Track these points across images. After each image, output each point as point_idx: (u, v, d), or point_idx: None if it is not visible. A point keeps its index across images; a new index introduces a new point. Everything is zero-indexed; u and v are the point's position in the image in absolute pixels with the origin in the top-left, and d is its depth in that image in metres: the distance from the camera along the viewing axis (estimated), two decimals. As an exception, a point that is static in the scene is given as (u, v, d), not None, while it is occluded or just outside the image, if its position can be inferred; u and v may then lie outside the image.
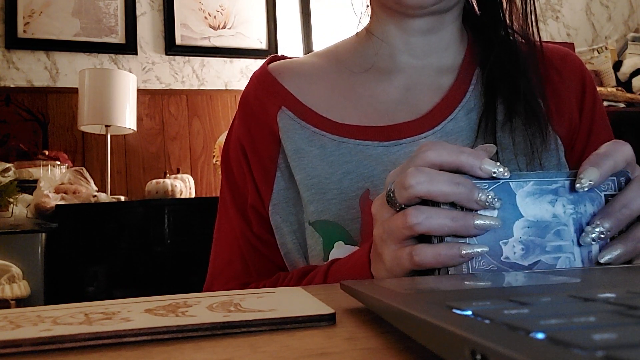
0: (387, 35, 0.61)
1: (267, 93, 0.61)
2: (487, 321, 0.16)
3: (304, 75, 0.62)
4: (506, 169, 0.34)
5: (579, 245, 0.34)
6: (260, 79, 0.63)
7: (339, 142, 0.57)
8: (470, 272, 0.33)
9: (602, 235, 0.33)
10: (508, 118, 0.55)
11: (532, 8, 0.59)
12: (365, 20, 0.65)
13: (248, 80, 0.64)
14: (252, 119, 0.61)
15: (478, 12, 0.65)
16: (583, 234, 0.34)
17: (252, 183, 0.60)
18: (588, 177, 0.33)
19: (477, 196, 0.33)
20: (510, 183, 0.34)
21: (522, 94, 0.56)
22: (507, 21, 0.61)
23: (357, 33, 0.66)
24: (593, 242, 0.34)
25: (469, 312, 0.17)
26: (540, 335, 0.13)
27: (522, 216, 0.34)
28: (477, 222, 0.33)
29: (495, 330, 0.15)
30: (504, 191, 0.34)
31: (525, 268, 0.34)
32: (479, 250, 0.33)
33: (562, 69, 0.61)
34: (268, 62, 0.65)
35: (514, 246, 0.34)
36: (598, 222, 0.34)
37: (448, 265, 0.33)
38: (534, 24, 0.59)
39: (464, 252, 0.33)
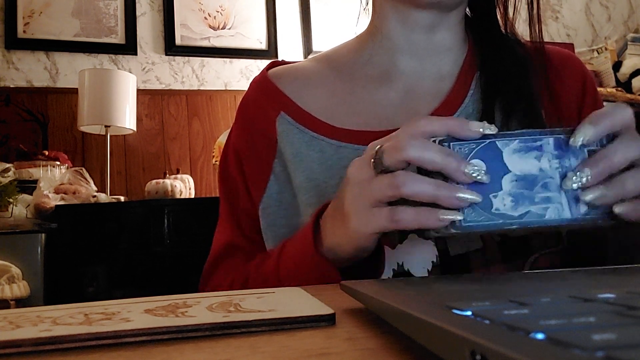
0: (389, 32, 0.60)
1: (267, 98, 0.62)
2: (487, 321, 0.16)
3: (303, 80, 0.63)
4: (493, 125, 0.36)
5: (567, 195, 0.36)
6: (260, 85, 0.63)
7: (338, 146, 0.57)
8: (462, 225, 0.35)
9: (583, 180, 0.34)
10: (505, 122, 0.55)
11: (536, 9, 0.59)
12: (366, 20, 0.65)
13: (248, 82, 0.65)
14: (249, 124, 0.62)
15: (471, 12, 0.64)
16: (565, 178, 0.35)
17: (244, 189, 0.61)
18: (583, 133, 0.35)
19: (464, 168, 0.35)
20: (497, 142, 0.36)
21: (520, 95, 0.56)
22: (503, 22, 0.61)
23: (358, 35, 0.65)
24: (574, 186, 0.35)
25: (469, 313, 0.17)
26: (540, 336, 0.13)
27: (510, 171, 0.36)
28: (460, 194, 0.35)
29: (495, 330, 0.15)
30: (491, 150, 0.36)
31: (515, 219, 0.35)
32: (460, 213, 0.35)
33: (562, 72, 0.61)
34: (268, 68, 0.65)
35: (503, 199, 0.35)
36: (579, 170, 0.35)
37: (426, 226, 0.35)
38: (537, 25, 0.59)
39: (441, 217, 0.35)
